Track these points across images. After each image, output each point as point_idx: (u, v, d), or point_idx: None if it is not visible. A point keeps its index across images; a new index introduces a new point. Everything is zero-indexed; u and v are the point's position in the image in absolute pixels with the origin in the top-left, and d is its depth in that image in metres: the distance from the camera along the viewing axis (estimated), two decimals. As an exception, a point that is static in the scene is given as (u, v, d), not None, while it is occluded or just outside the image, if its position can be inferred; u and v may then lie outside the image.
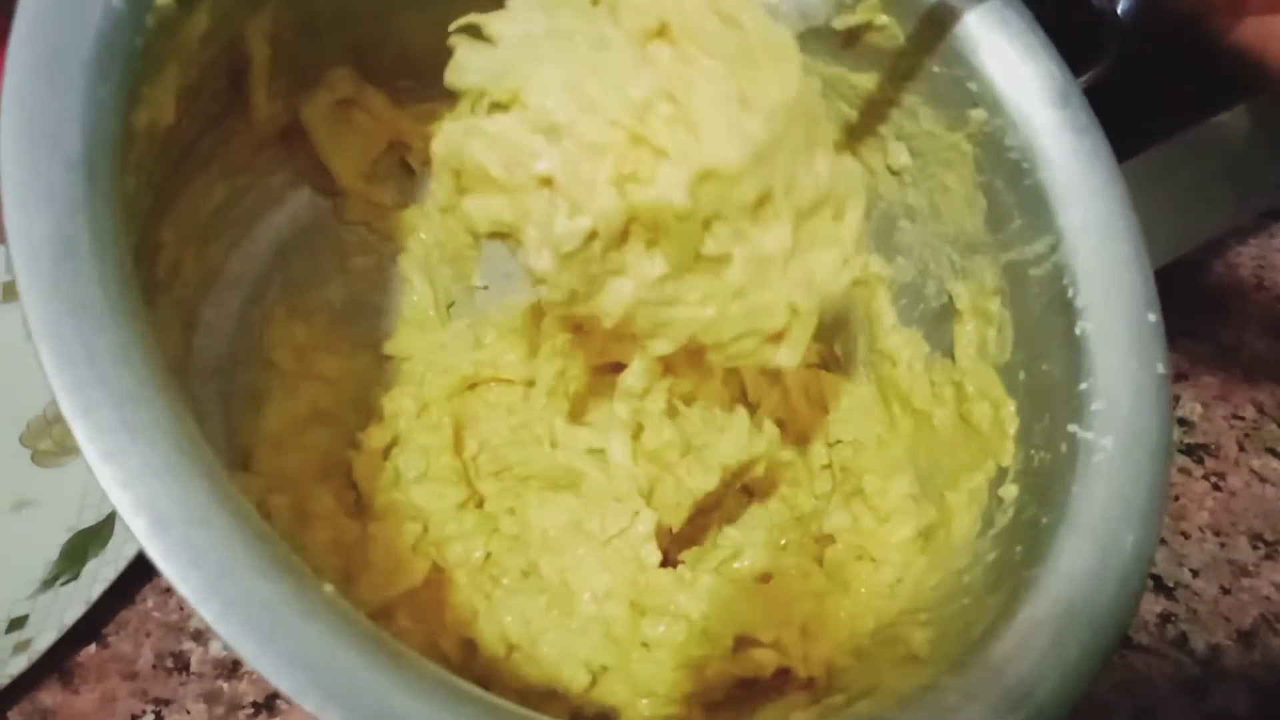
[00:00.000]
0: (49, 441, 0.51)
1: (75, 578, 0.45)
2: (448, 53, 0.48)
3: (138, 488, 0.23)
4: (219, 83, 0.39)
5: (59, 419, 0.52)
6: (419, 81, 0.48)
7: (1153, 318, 0.38)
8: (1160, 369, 0.37)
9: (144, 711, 0.44)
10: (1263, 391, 0.59)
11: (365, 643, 0.25)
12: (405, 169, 0.48)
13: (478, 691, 0.26)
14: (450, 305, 0.48)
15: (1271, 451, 0.57)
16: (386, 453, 0.44)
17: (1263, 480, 0.55)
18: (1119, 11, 0.43)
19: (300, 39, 0.41)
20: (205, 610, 0.23)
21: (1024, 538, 0.36)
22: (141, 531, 0.23)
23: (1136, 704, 0.47)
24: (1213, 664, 0.48)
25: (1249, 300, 0.64)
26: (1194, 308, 0.63)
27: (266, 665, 0.23)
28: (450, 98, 0.49)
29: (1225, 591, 0.50)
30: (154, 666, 0.45)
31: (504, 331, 0.45)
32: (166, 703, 0.44)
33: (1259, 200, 0.63)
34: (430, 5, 0.45)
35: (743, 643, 0.40)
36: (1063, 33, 0.40)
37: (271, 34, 0.39)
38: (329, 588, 0.25)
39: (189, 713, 0.44)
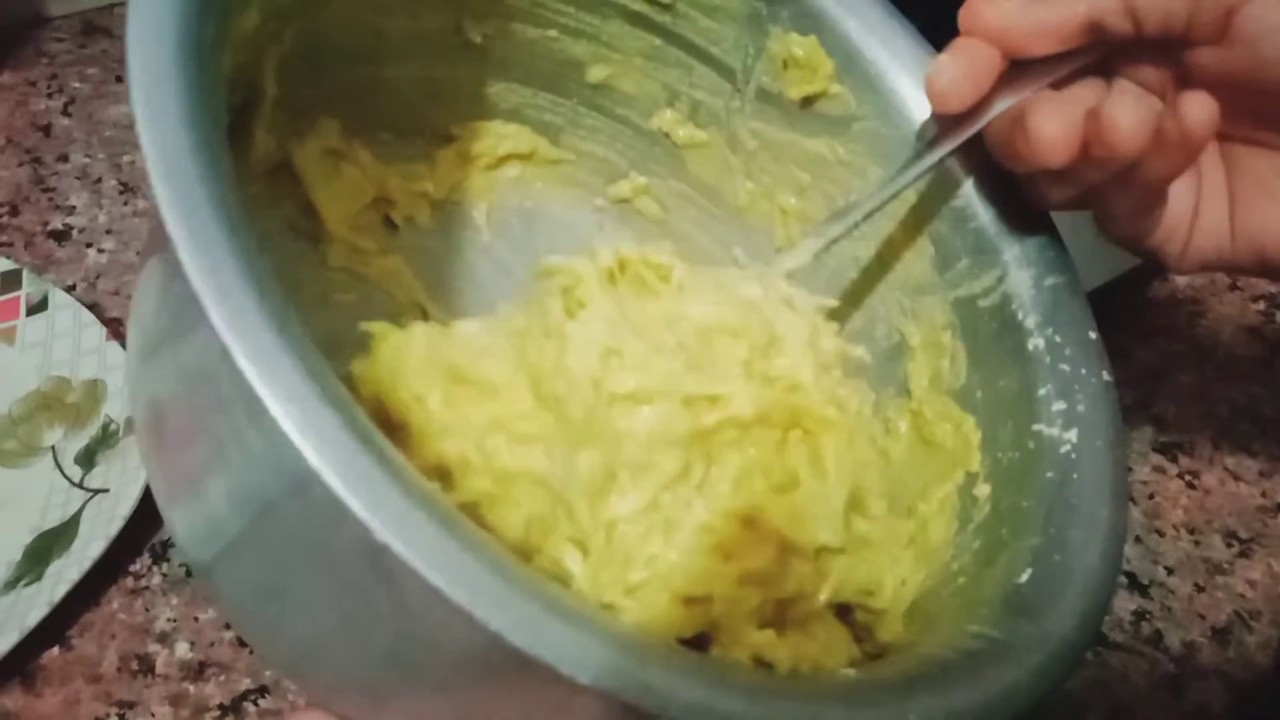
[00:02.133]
0: (14, 442, 0.50)
1: (38, 579, 0.44)
2: (424, 110, 0.51)
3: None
4: (233, 100, 0.40)
5: (24, 419, 0.50)
6: (396, 135, 0.50)
7: (1093, 335, 0.43)
8: (1106, 376, 0.41)
9: (108, 714, 0.42)
10: (1236, 390, 0.61)
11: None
12: (388, 224, 0.50)
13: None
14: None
15: (1245, 449, 0.59)
16: None
17: (1237, 478, 0.57)
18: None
19: (304, 73, 0.43)
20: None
21: (1008, 521, 0.39)
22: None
23: (1113, 702, 0.48)
24: (1188, 661, 0.50)
25: (1223, 300, 0.66)
26: (1170, 307, 0.65)
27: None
28: (429, 160, 0.51)
29: (1200, 589, 0.52)
30: (118, 669, 0.44)
31: None
32: (131, 705, 0.43)
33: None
34: (417, 60, 0.48)
35: None
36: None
37: (282, 64, 0.41)
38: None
39: (154, 716, 0.43)
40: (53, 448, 0.49)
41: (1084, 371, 0.41)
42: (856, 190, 0.49)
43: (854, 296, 0.51)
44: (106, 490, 0.48)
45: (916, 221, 0.47)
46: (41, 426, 0.50)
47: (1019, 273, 0.44)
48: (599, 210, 0.56)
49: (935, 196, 0.46)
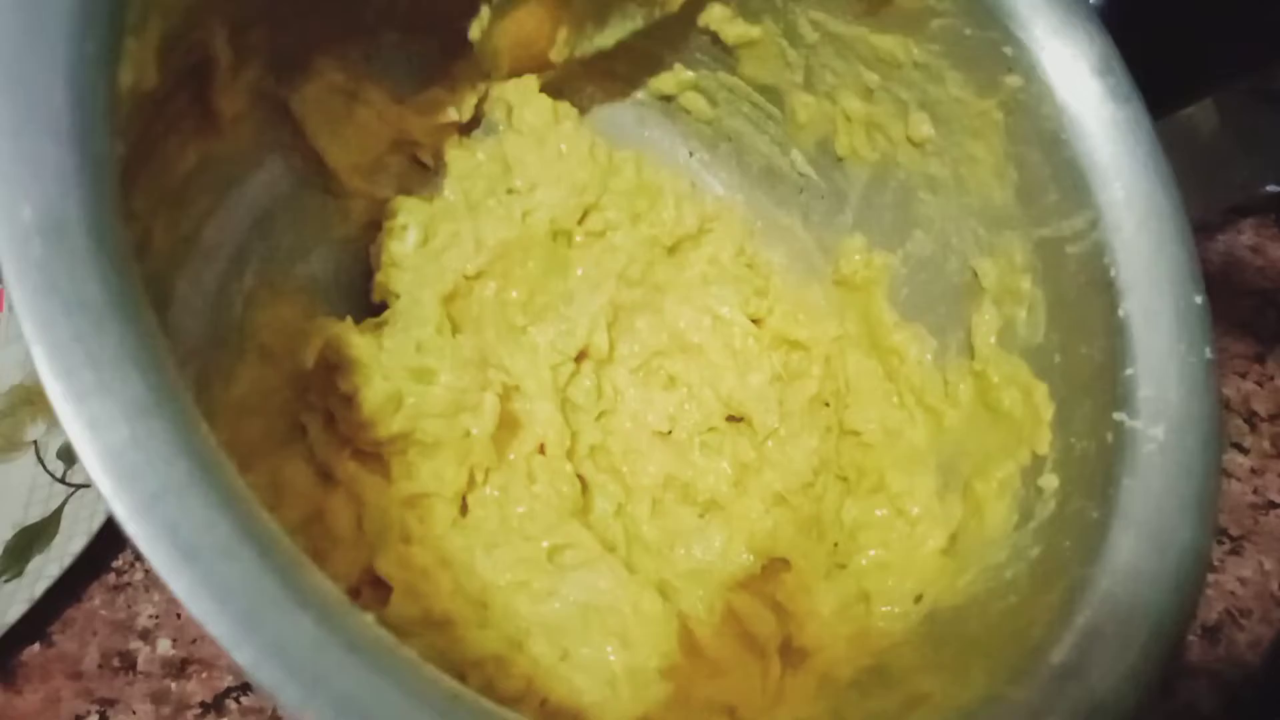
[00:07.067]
0: (-6, 437, 0.48)
1: (19, 575, 0.42)
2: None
3: (155, 515, 0.20)
4: (196, 34, 0.35)
5: (6, 413, 0.49)
6: (404, 34, 0.44)
7: (1199, 299, 0.36)
8: (1208, 353, 0.36)
9: (89, 712, 0.42)
10: (1228, 387, 0.58)
11: (411, 678, 0.22)
12: (415, 165, 0.44)
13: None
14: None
15: (1237, 446, 0.56)
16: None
17: (1228, 475, 0.54)
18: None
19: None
20: (240, 654, 0.20)
21: (1072, 532, 0.34)
22: (163, 564, 0.20)
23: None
24: (1177, 660, 0.47)
25: (1216, 297, 0.61)
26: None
27: (314, 711, 0.20)
28: (450, 80, 0.45)
29: (1190, 587, 0.50)
30: (100, 666, 0.43)
31: None
32: (112, 703, 0.42)
33: (1226, 197, 0.62)
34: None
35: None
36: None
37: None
38: (369, 617, 0.22)
39: (135, 713, 0.42)
40: (35, 443, 0.47)
41: (1182, 348, 0.36)
42: (932, 96, 0.42)
43: (923, 218, 0.44)
44: (89, 485, 0.45)
45: (1000, 140, 0.40)
46: (24, 421, 0.48)
47: (1115, 218, 0.37)
48: (639, 104, 0.50)
49: (1025, 113, 0.39)
